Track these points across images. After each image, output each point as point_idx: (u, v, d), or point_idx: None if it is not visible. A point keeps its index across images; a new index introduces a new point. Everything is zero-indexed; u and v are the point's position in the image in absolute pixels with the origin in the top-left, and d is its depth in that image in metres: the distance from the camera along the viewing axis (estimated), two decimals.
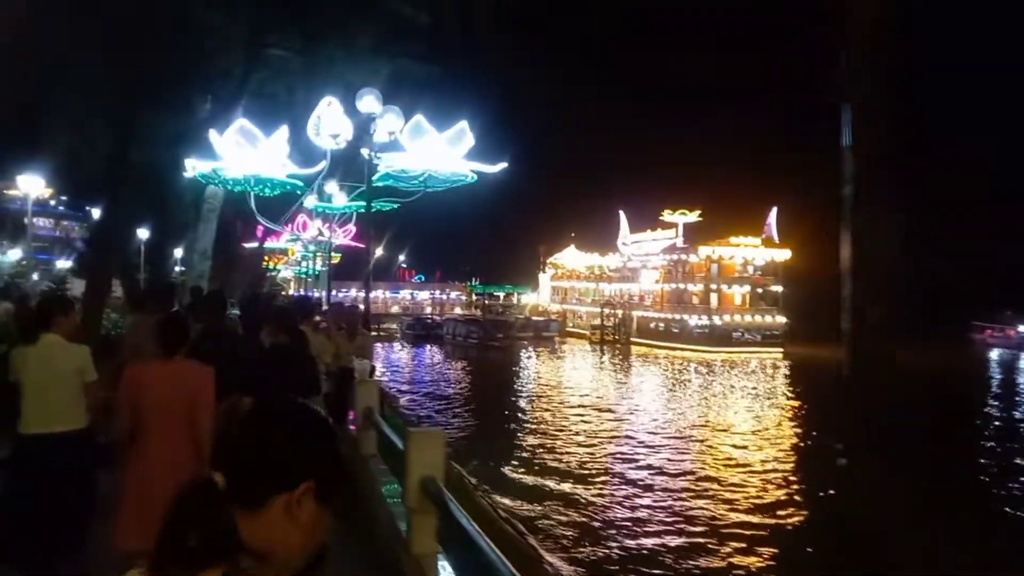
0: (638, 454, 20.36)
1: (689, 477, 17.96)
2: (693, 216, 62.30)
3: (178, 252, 20.50)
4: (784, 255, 58.37)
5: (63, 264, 56.82)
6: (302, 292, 41.23)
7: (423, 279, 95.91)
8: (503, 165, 15.47)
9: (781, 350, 54.35)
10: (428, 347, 57.61)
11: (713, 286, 57.72)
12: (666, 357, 52.15)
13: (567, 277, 79.12)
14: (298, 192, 15.15)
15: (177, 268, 24.89)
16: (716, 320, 55.87)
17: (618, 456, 20.06)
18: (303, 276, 47.58)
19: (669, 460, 19.76)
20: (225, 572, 1.07)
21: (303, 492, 1.16)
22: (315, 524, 1.17)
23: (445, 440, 3.69)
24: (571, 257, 79.04)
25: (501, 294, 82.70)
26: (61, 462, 4.48)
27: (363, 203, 17.44)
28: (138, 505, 3.85)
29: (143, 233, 18.46)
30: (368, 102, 10.40)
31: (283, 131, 14.80)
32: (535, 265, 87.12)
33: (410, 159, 14.71)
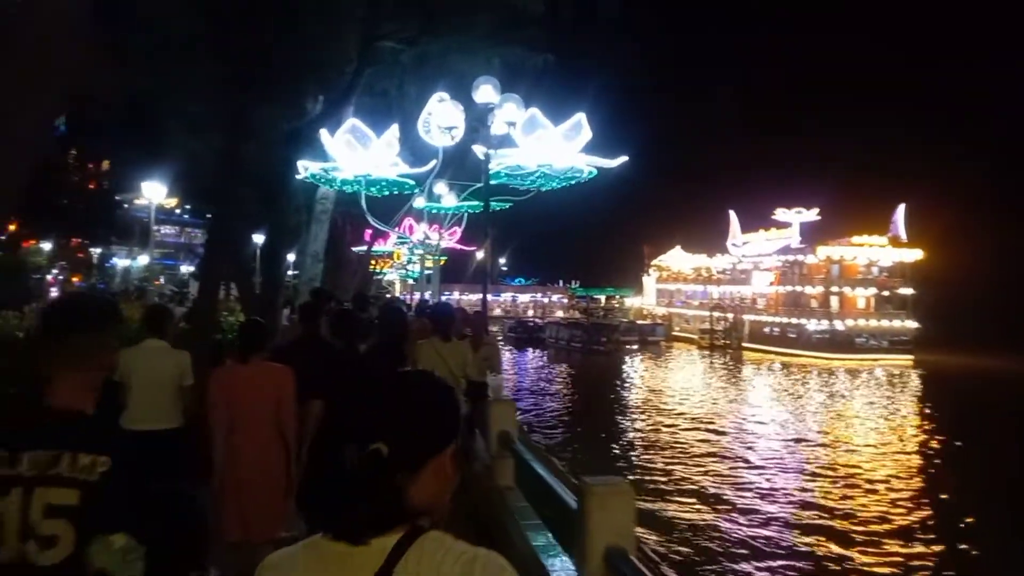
0: (759, 472, 18.74)
1: (813, 497, 16.36)
2: (810, 214, 58.80)
3: (290, 256, 20.59)
4: (914, 255, 54.08)
5: (186, 269, 59.98)
6: (428, 296, 41.42)
7: (523, 282, 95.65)
8: (623, 159, 14.41)
9: (911, 357, 50.32)
10: (530, 351, 56.90)
11: (834, 288, 54.12)
12: (782, 364, 49.31)
13: (673, 279, 76.67)
14: (409, 192, 14.65)
15: (290, 272, 25.05)
16: (837, 325, 52.32)
17: (736, 476, 18.47)
18: (409, 279, 47.99)
19: (791, 481, 18.03)
20: (407, 532, 1.19)
21: (451, 453, 1.29)
22: (453, 480, 1.30)
23: (634, 497, 2.73)
24: (677, 258, 76.62)
25: (602, 297, 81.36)
26: (163, 457, 4.67)
27: (475, 203, 16.79)
28: (235, 499, 4.11)
29: (258, 238, 18.56)
30: (485, 91, 9.64)
31: (393, 130, 14.33)
32: (638, 267, 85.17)
33: (524, 155, 13.90)
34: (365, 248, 26.25)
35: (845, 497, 16.37)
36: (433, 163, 14.61)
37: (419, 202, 17.95)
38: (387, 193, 14.23)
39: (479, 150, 13.95)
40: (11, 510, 1.67)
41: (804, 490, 17.02)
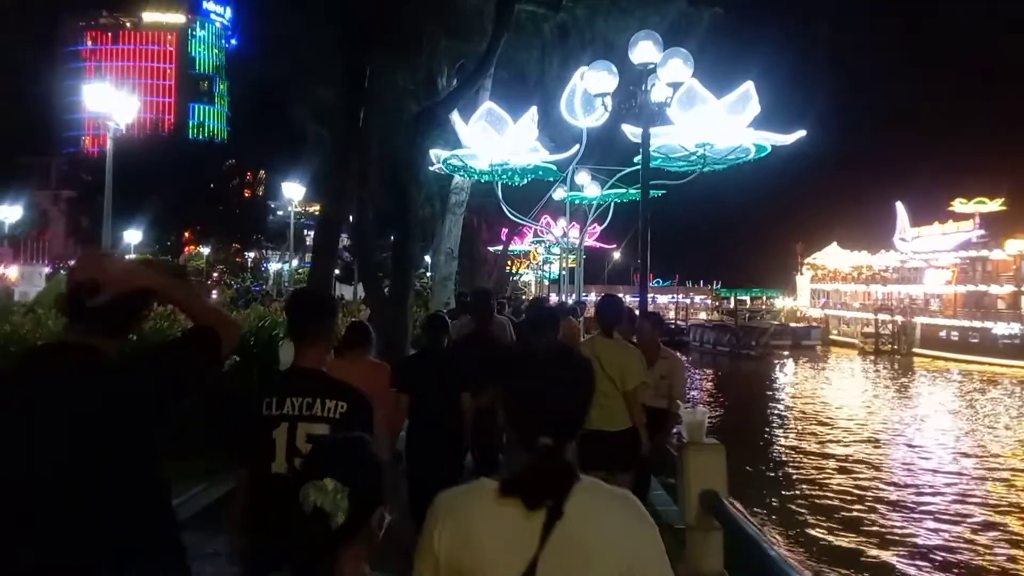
0: (935, 508, 15.50)
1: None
2: (994, 204, 52.04)
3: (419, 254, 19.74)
4: None
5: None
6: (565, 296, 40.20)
7: (661, 283, 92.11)
8: (800, 134, 12.23)
9: None
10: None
11: None
12: (961, 372, 43.70)
13: (829, 279, 70.80)
14: (551, 179, 13.21)
15: (429, 273, 24.29)
16: None
17: (912, 516, 15.28)
18: (545, 280, 46.90)
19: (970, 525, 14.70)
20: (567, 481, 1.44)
21: None
22: None
23: None
24: (834, 256, 70.73)
25: (747, 298, 76.70)
26: None
27: (623, 191, 15.12)
28: None
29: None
30: (644, 49, 7.96)
31: (532, 113, 12.94)
32: (788, 265, 79.65)
33: (681, 134, 12.05)
34: (501, 247, 25.21)
35: None
36: (576, 148, 13.09)
37: (560, 193, 16.49)
38: (525, 181, 12.85)
39: (629, 129, 12.24)
40: (281, 438, 2.46)
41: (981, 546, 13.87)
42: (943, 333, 51.96)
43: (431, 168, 13.51)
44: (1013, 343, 46.37)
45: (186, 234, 55.90)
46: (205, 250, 54.45)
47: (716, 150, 12.30)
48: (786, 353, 54.66)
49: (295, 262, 54.52)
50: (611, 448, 4.23)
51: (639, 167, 12.14)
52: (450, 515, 1.48)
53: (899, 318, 55.11)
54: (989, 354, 46.85)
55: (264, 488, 2.41)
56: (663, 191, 13.94)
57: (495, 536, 1.41)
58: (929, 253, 56.26)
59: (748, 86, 12.06)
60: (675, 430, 5.03)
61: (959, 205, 53.44)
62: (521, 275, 52.56)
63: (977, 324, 49.06)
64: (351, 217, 12.43)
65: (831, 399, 32.71)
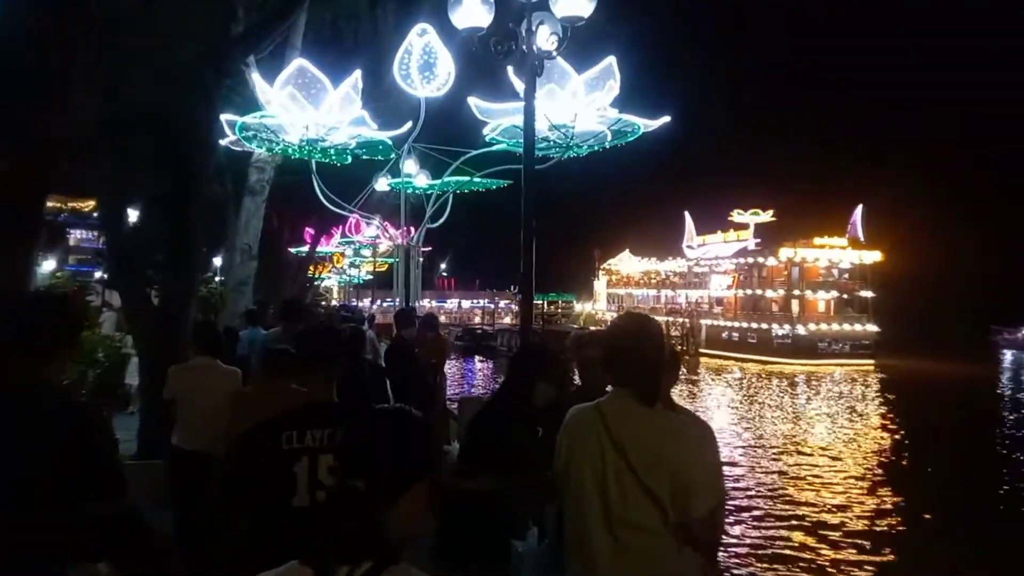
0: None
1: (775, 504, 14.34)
2: (766, 216, 57.20)
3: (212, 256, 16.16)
4: (873, 257, 52.90)
5: (100, 275, 53.82)
6: (350, 302, 37.12)
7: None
8: (665, 119, 10.99)
9: (872, 362, 49.03)
10: (478, 359, 53.04)
11: (796, 292, 52.39)
12: (742, 370, 47.17)
13: (623, 284, 74.26)
14: (378, 159, 10.83)
15: (217, 278, 20.58)
16: (799, 329, 50.54)
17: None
18: (351, 284, 43.72)
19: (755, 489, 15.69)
20: (374, 563, 1.26)
21: (425, 488, 1.38)
22: (427, 511, 1.39)
23: None
24: (627, 262, 74.31)
25: (544, 302, 78.49)
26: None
27: (466, 179, 13.07)
28: None
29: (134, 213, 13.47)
30: None
31: (356, 77, 10.52)
32: (588, 270, 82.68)
33: (539, 110, 10.27)
34: (306, 249, 22.17)
35: (803, 503, 14.59)
36: (410, 124, 10.86)
37: (382, 183, 13.95)
38: (347, 160, 10.37)
39: (476, 103, 10.25)
40: (303, 471, 2.36)
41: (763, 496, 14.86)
42: (725, 334, 55.99)
43: (223, 142, 10.60)
44: (785, 342, 50.92)
45: None
46: None
47: (576, 132, 10.71)
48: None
49: (50, 265, 46.23)
50: None
51: (488, 149, 10.15)
52: None
53: (686, 320, 58.65)
54: (765, 353, 51.09)
55: (285, 523, 2.31)
56: (509, 181, 12.12)
57: None
58: (712, 259, 60.61)
59: (609, 61, 10.60)
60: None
61: (737, 216, 58.08)
62: (323, 279, 48.81)
63: (755, 325, 53.35)
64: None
65: None
